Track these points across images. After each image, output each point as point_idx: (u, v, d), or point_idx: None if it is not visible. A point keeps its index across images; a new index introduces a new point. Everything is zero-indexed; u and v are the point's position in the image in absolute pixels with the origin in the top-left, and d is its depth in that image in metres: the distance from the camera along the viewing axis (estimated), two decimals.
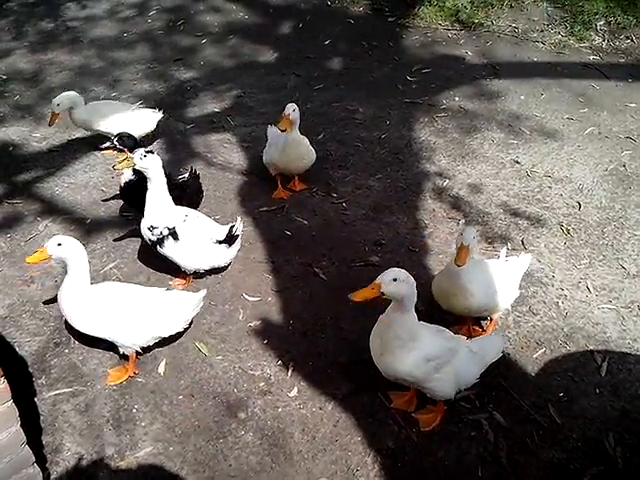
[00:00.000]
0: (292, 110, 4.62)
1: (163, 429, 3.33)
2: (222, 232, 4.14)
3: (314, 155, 5.00)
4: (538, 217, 4.78)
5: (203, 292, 3.69)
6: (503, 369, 3.60)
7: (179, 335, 3.79)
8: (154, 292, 3.68)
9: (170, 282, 4.30)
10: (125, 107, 5.73)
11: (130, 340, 3.52)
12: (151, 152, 3.88)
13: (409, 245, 4.57)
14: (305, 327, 3.94)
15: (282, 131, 4.69)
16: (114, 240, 4.69)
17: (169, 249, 4.04)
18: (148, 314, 3.51)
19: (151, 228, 4.01)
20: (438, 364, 3.10)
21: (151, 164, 3.84)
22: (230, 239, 4.12)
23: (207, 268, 4.20)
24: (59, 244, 3.35)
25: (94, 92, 6.89)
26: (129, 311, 3.49)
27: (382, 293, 2.97)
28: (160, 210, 4.02)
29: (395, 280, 2.95)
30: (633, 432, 3.29)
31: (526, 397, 3.45)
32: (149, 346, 3.66)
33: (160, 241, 4.03)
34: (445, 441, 3.25)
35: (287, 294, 4.19)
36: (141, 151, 3.85)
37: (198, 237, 4.07)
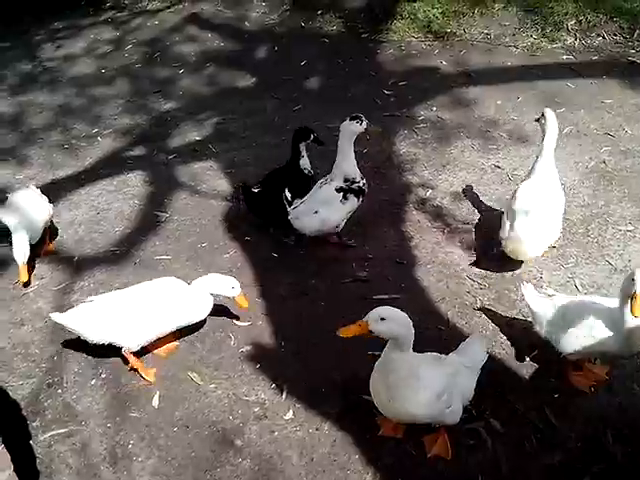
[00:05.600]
0: None
1: (160, 463, 3.31)
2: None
3: None
4: None
5: None
6: (497, 374, 3.60)
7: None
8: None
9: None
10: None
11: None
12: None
13: (396, 258, 4.58)
14: (297, 348, 3.93)
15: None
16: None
17: (350, 202, 4.52)
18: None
19: (353, 180, 4.48)
20: (449, 395, 3.03)
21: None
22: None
23: None
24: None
25: (76, 129, 6.93)
26: None
27: (370, 331, 2.85)
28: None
29: (383, 319, 2.82)
30: (631, 427, 3.28)
31: (521, 401, 3.44)
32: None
33: (359, 191, 4.51)
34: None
35: (277, 316, 4.18)
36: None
37: None
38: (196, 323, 3.96)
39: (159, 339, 3.88)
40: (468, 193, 5.16)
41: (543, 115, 4.32)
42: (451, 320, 4.01)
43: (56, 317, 3.81)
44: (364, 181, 4.55)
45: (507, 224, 4.20)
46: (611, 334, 3.21)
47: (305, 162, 4.89)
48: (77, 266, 4.80)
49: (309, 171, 4.90)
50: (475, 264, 4.44)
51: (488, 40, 7.53)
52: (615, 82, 6.45)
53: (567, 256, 4.42)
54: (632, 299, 3.02)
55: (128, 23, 9.59)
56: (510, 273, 4.33)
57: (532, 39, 7.39)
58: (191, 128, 6.71)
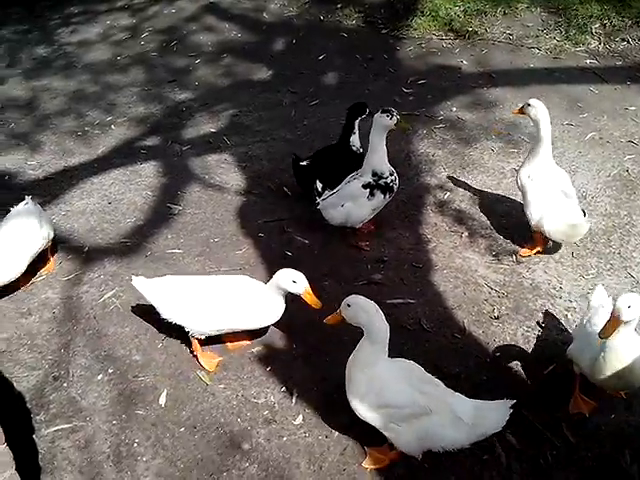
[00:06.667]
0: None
1: (165, 464, 3.24)
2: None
3: None
4: None
5: None
6: (513, 387, 3.50)
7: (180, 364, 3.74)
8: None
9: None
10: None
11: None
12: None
13: (412, 261, 4.48)
14: (309, 351, 3.84)
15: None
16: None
17: (377, 199, 4.48)
18: None
19: (380, 175, 4.43)
20: (401, 416, 2.93)
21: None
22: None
23: None
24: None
25: (90, 117, 6.87)
26: None
27: (343, 318, 3.04)
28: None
29: (349, 306, 3.00)
30: None
31: (538, 416, 3.34)
32: None
33: (386, 187, 4.45)
34: (457, 466, 3.13)
35: (289, 317, 4.07)
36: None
37: None
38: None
39: (227, 334, 3.84)
40: (487, 197, 5.06)
41: (529, 105, 4.29)
42: (467, 328, 3.92)
43: (137, 283, 3.79)
44: (393, 177, 4.49)
45: (556, 214, 4.16)
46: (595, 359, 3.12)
47: (355, 139, 4.92)
48: (87, 256, 4.72)
49: (357, 149, 4.91)
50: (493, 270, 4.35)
51: (510, 40, 7.41)
52: None
53: (588, 267, 4.31)
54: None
55: (145, 10, 9.51)
56: (529, 281, 4.23)
57: (555, 41, 7.26)
58: (206, 119, 6.63)
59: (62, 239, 4.90)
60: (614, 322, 2.93)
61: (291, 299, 4.22)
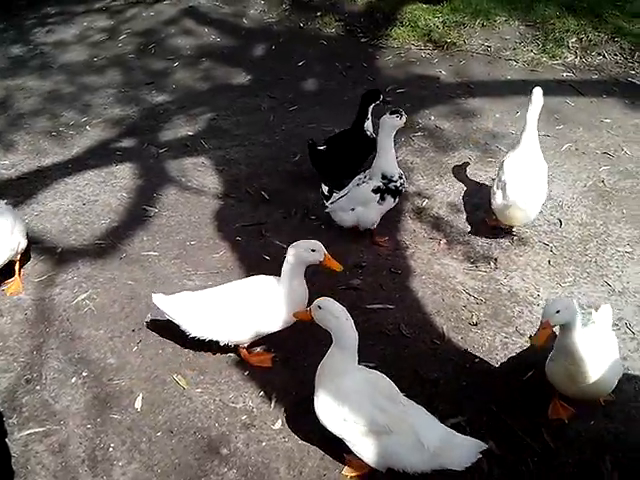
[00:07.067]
0: None
1: (141, 469, 3.16)
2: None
3: None
4: (520, 235, 4.71)
5: None
6: (493, 393, 3.51)
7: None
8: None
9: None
10: None
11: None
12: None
13: (391, 267, 4.47)
14: (287, 355, 3.80)
15: None
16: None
17: (387, 203, 4.53)
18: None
19: (390, 178, 4.46)
20: (356, 429, 2.89)
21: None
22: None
23: None
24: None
25: (64, 117, 6.76)
26: None
27: (312, 318, 3.03)
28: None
29: (320, 308, 2.97)
30: (629, 455, 3.19)
31: (518, 422, 3.34)
32: None
33: (396, 191, 4.50)
34: (436, 472, 3.10)
35: None
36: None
37: None
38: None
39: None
40: (465, 205, 5.08)
41: (531, 91, 4.51)
42: (446, 334, 3.91)
43: (158, 300, 3.64)
44: (402, 180, 4.56)
45: (499, 193, 4.43)
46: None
47: (369, 125, 5.07)
48: (60, 258, 4.63)
49: (371, 134, 5.08)
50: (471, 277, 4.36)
51: (488, 52, 7.48)
52: (615, 102, 6.42)
53: (565, 274, 4.35)
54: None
55: (123, 13, 9.41)
56: (507, 288, 4.24)
57: (532, 54, 7.35)
58: (183, 122, 6.57)
59: (35, 240, 4.79)
60: (545, 326, 3.02)
61: None
